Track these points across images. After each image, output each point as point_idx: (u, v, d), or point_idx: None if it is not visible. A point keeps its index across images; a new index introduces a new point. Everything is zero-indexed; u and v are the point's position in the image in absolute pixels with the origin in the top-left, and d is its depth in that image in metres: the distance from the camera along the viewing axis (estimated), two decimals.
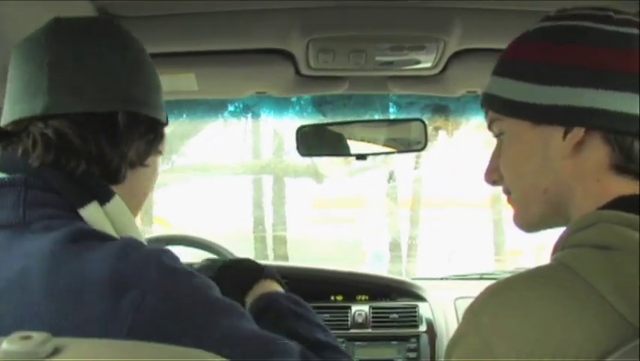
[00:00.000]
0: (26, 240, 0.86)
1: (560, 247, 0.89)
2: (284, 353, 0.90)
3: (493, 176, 1.04)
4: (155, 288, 0.82)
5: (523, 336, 0.79)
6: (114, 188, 0.97)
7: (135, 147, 0.98)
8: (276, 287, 1.21)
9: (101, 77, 0.96)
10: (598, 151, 0.91)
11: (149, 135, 1.01)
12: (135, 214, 1.05)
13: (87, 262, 0.82)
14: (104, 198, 0.95)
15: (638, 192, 0.89)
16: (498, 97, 0.99)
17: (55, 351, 0.55)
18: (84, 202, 0.92)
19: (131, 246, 0.87)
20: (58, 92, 0.94)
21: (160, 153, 1.07)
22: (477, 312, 0.86)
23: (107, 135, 0.95)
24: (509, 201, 1.04)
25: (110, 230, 0.94)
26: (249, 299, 1.17)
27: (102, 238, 0.89)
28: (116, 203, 0.96)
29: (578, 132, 0.90)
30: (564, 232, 0.90)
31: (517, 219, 1.03)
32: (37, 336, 0.55)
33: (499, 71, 1.00)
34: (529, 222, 1.02)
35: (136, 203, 1.05)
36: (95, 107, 0.95)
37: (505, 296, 0.84)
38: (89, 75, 0.96)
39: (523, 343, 0.79)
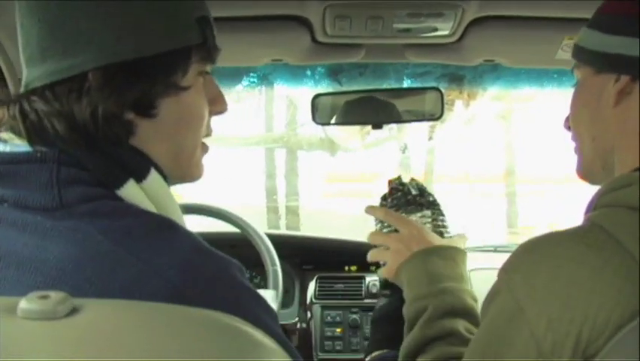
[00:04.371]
0: (72, 225, 0.76)
1: (592, 206, 0.89)
2: None
3: (567, 122, 1.07)
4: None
5: (552, 298, 0.79)
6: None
7: (120, 101, 0.83)
8: None
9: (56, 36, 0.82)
10: None
11: (141, 84, 0.84)
12: (179, 175, 0.95)
13: (145, 264, 0.74)
14: (140, 174, 0.85)
15: None
16: (577, 45, 1.02)
17: (74, 311, 0.55)
18: (121, 182, 0.82)
19: (200, 253, 0.79)
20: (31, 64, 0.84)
21: (178, 89, 0.88)
22: (509, 270, 0.86)
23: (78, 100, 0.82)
24: (574, 150, 1.06)
25: (152, 210, 0.84)
26: None
27: (169, 228, 0.80)
28: (154, 178, 0.86)
29: (623, 80, 0.91)
30: (598, 192, 0.89)
31: (576, 167, 1.05)
32: (55, 295, 0.55)
33: (587, 24, 1.02)
34: (582, 170, 1.04)
35: (173, 157, 0.92)
36: (58, 75, 0.82)
37: (538, 255, 0.84)
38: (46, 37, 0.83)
39: (552, 305, 0.78)
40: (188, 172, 0.97)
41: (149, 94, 0.85)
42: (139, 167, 0.86)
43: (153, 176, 0.87)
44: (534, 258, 0.84)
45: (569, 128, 1.06)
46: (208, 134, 0.99)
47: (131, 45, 0.83)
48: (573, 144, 1.06)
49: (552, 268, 0.81)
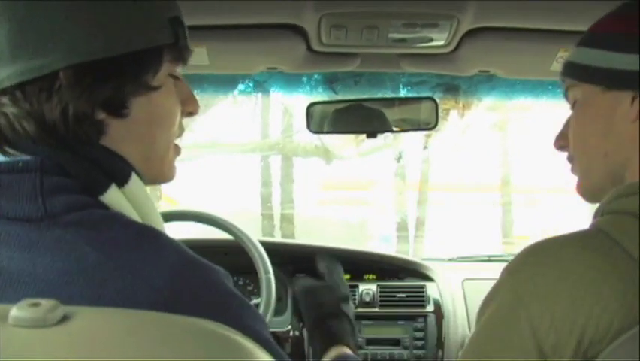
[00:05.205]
0: (58, 236, 0.76)
1: (599, 213, 0.90)
2: None
3: (561, 142, 1.07)
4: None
5: (558, 298, 0.80)
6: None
7: (92, 101, 0.82)
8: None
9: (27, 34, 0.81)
10: None
11: (112, 83, 0.83)
12: (151, 176, 0.94)
13: (133, 275, 0.74)
14: (122, 179, 0.85)
15: None
16: (576, 64, 1.02)
17: (64, 318, 0.55)
18: (104, 188, 0.82)
19: (187, 262, 0.80)
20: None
21: (149, 89, 0.87)
22: (513, 271, 0.87)
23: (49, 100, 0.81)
24: (572, 170, 1.06)
25: (134, 216, 0.84)
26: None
27: (155, 238, 0.81)
28: (135, 182, 0.86)
29: None
30: (605, 198, 0.90)
31: (579, 187, 1.05)
32: (45, 303, 0.55)
33: (580, 42, 1.03)
34: (589, 188, 1.03)
35: (144, 158, 0.91)
36: (29, 75, 0.81)
37: (542, 256, 0.85)
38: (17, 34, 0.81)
39: (557, 305, 0.80)
40: (160, 173, 0.96)
41: (120, 93, 0.85)
42: (121, 171, 0.86)
43: (134, 180, 0.87)
44: (539, 259, 0.85)
45: (560, 148, 1.07)
46: (180, 135, 0.99)
47: (102, 44, 0.82)
48: (569, 165, 1.06)
49: (558, 269, 0.82)
